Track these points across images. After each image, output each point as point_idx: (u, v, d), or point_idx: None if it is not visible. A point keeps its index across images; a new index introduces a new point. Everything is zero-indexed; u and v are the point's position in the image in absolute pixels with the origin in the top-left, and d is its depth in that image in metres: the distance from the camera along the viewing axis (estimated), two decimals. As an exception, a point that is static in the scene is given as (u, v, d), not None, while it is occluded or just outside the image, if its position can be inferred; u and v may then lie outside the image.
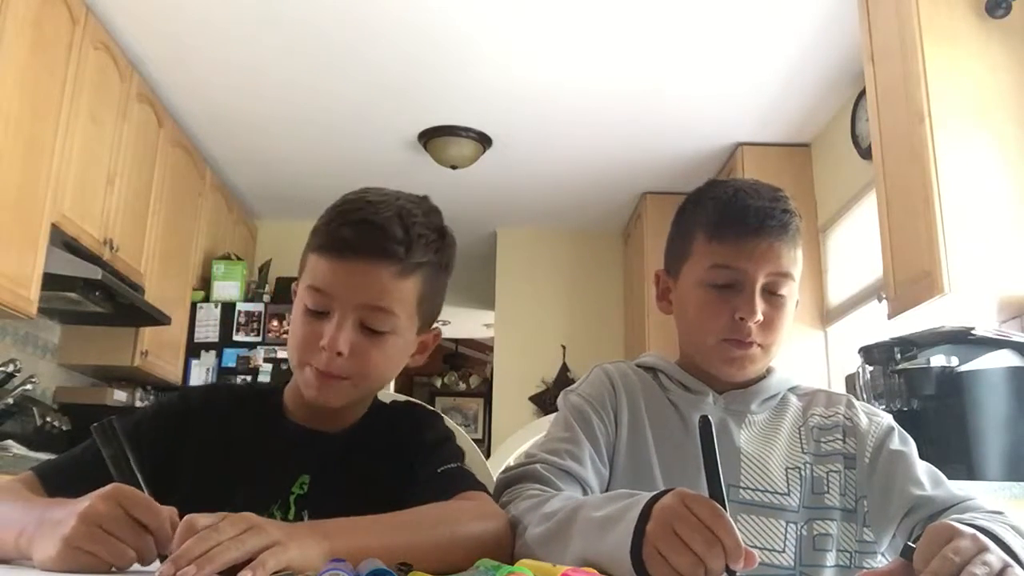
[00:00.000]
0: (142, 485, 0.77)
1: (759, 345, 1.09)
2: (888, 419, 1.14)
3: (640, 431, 1.12)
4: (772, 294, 1.09)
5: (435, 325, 1.11)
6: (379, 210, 0.99)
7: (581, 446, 1.08)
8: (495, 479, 1.10)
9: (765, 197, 1.10)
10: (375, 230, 0.97)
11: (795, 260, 1.10)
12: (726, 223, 1.09)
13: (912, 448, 1.10)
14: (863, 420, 1.13)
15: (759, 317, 1.07)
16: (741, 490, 1.07)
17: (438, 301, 1.08)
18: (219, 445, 1.04)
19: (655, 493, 0.79)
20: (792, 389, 1.19)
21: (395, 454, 1.05)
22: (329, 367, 0.98)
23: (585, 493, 1.04)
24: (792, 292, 1.11)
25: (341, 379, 0.99)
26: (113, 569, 0.73)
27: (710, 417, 0.76)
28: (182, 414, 1.06)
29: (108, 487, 0.76)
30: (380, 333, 0.99)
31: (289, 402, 1.08)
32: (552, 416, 1.21)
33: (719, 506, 0.72)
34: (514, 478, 1.05)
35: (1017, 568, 0.73)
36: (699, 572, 0.71)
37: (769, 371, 1.17)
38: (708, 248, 1.11)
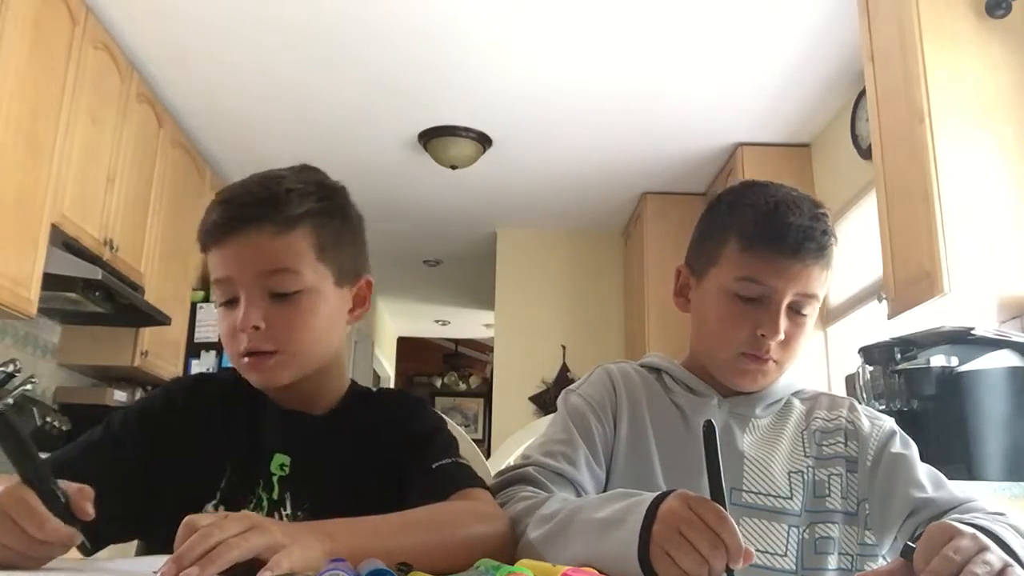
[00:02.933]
0: (42, 473, 0.75)
1: (775, 361, 1.09)
2: (890, 423, 1.14)
3: (641, 432, 1.12)
4: (796, 313, 1.08)
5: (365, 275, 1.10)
6: (240, 185, 1.03)
7: (576, 448, 1.08)
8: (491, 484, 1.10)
9: (806, 214, 1.07)
10: (237, 203, 1.00)
11: (824, 282, 1.09)
12: (763, 237, 1.06)
13: (914, 451, 1.10)
14: (865, 424, 1.13)
15: (781, 336, 1.06)
16: (744, 493, 1.07)
17: (349, 250, 1.06)
18: (204, 433, 1.05)
19: (657, 495, 0.80)
20: (795, 393, 1.18)
21: (381, 439, 1.06)
22: (253, 345, 0.97)
23: (579, 495, 1.04)
24: (815, 312, 1.10)
25: (271, 354, 0.98)
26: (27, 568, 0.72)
27: (714, 421, 0.77)
28: (167, 407, 1.07)
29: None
30: (290, 295, 0.99)
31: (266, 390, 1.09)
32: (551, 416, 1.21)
33: (722, 509, 0.74)
34: (507, 481, 1.05)
35: (1017, 568, 0.73)
36: (703, 571, 0.73)
37: None
38: (740, 258, 1.08)
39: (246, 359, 0.99)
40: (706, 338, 1.13)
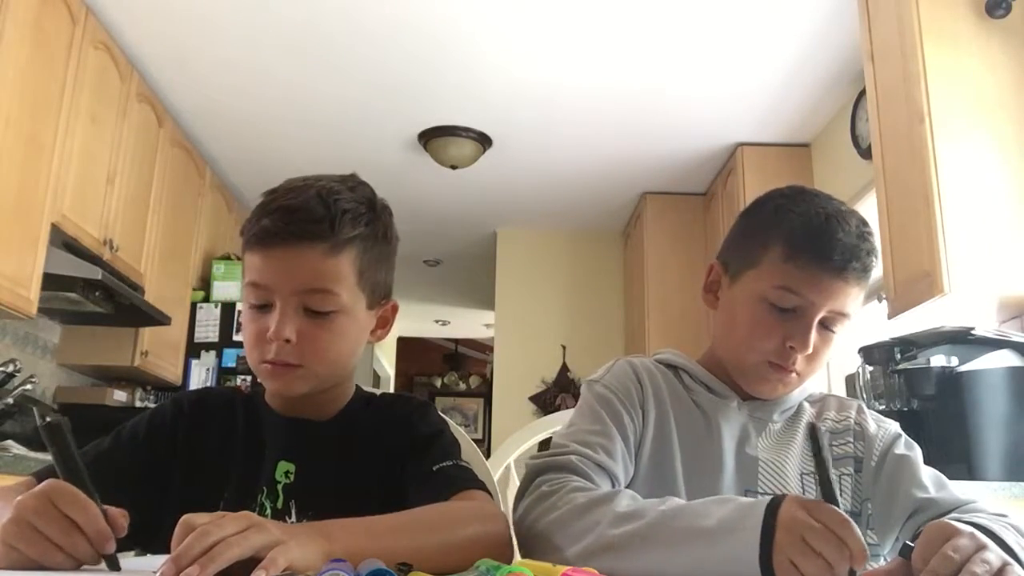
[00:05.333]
0: (88, 483, 0.76)
1: (797, 373, 1.08)
2: (895, 426, 1.15)
3: (666, 430, 1.11)
4: (826, 328, 1.07)
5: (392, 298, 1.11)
6: (298, 194, 1.00)
7: (613, 440, 1.06)
8: (526, 465, 1.07)
9: (854, 232, 1.05)
10: (295, 213, 0.97)
11: (859, 301, 1.08)
12: (810, 249, 1.04)
13: (917, 453, 1.10)
14: (871, 426, 1.14)
15: (810, 350, 1.05)
16: (759, 496, 1.07)
17: (384, 273, 1.07)
18: (209, 442, 1.06)
19: (770, 500, 0.81)
20: (806, 397, 1.19)
21: (386, 444, 1.06)
22: (280, 356, 0.98)
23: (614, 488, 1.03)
24: (844, 330, 1.09)
25: (295, 367, 0.99)
26: (51, 567, 0.72)
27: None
28: (174, 417, 1.08)
29: (44, 483, 0.75)
30: (325, 314, 0.99)
31: (269, 399, 1.09)
32: (563, 410, 1.19)
33: (843, 512, 0.75)
34: (550, 466, 1.02)
35: (1016, 566, 0.74)
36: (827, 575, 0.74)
37: None
38: (782, 267, 1.06)
39: (267, 366, 0.99)
40: (732, 340, 1.12)
